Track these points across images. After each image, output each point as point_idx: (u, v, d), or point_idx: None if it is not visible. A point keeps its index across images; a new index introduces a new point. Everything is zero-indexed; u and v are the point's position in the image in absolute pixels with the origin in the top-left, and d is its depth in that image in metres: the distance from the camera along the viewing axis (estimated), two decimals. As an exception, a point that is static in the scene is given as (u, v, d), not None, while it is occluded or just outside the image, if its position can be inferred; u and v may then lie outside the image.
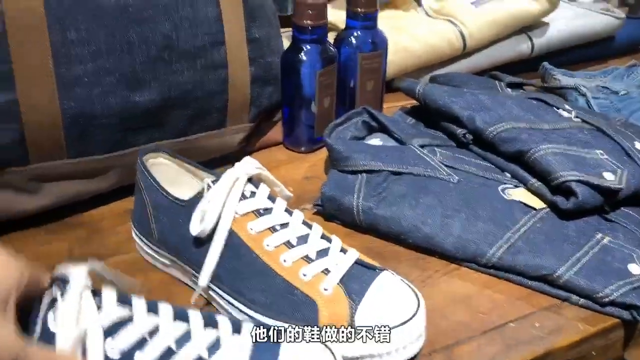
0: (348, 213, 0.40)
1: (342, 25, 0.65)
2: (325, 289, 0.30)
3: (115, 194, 0.43)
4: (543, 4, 0.70)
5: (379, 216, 0.39)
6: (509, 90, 0.53)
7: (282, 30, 0.57)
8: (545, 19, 0.73)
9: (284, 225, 0.32)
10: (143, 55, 0.39)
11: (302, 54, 0.48)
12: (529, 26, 0.72)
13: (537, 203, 0.40)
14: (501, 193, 0.41)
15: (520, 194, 0.41)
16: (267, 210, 0.32)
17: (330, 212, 0.41)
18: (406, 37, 0.64)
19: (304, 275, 0.30)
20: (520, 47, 0.71)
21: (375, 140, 0.49)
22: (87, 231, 0.40)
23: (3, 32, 0.33)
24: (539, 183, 0.40)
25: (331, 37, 0.68)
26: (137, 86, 0.39)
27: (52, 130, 0.36)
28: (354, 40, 0.53)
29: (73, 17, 0.35)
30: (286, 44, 0.60)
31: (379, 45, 0.53)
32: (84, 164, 0.39)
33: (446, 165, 0.43)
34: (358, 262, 0.32)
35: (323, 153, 0.51)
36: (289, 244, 0.31)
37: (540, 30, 0.73)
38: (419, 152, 0.44)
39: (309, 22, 0.47)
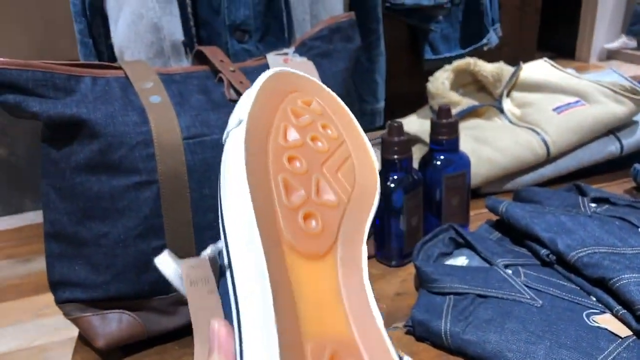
0: (437, 336, 0.44)
1: (426, 137, 0.71)
2: (415, 420, 0.34)
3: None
4: (629, 105, 0.71)
5: (466, 340, 0.42)
6: (594, 205, 0.55)
7: (371, 136, 0.64)
8: (636, 117, 0.74)
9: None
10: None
11: (390, 183, 0.54)
12: (617, 126, 0.73)
13: (623, 331, 0.41)
14: (586, 319, 0.42)
15: (606, 321, 0.42)
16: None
17: (421, 334, 0.45)
18: (490, 149, 0.69)
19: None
20: (608, 148, 0.72)
21: (462, 258, 0.53)
22: (212, 345, 0.48)
23: (157, 195, 0.43)
24: (624, 310, 0.42)
25: (418, 149, 0.74)
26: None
27: (189, 266, 0.45)
28: (438, 163, 0.58)
29: (207, 177, 0.45)
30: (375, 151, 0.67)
31: (461, 166, 0.58)
32: (211, 290, 0.48)
33: (530, 288, 0.46)
34: (445, 394, 0.35)
35: (413, 267, 0.56)
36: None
37: (629, 130, 0.73)
38: (503, 273, 0.48)
39: (395, 156, 0.53)
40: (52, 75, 0.44)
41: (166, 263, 0.30)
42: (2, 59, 0.43)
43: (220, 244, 0.28)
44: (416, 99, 0.89)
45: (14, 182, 2.05)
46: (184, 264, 0.29)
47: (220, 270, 0.28)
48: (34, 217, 2.04)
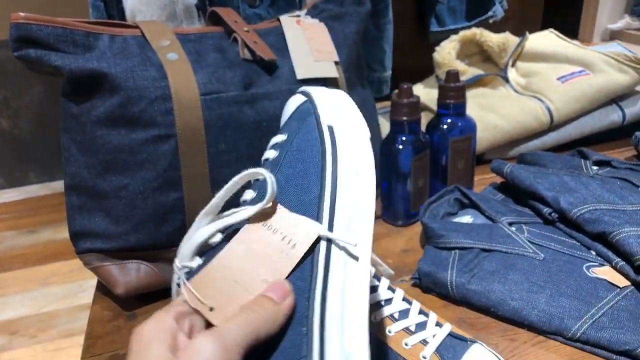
0: (443, 287, 0.46)
1: (432, 105, 0.72)
2: (424, 357, 0.36)
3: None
4: (632, 75, 0.72)
5: (471, 290, 0.44)
6: (596, 168, 0.57)
7: (379, 106, 0.65)
8: (639, 87, 0.75)
9: (388, 301, 0.39)
10: (272, 157, 0.49)
11: (399, 144, 0.55)
12: (620, 95, 0.74)
13: (622, 281, 0.43)
14: (586, 271, 0.44)
15: (605, 272, 0.44)
16: (374, 288, 0.39)
17: (427, 285, 0.47)
18: (495, 115, 0.70)
19: (406, 344, 0.36)
20: (610, 117, 0.73)
21: (467, 217, 0.55)
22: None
23: (175, 149, 0.45)
24: (623, 262, 0.44)
25: (424, 116, 0.76)
26: (267, 181, 0.49)
27: (205, 218, 0.47)
28: (445, 127, 0.60)
29: (224, 133, 0.46)
30: (382, 121, 0.69)
31: (467, 130, 0.60)
32: (226, 243, 0.49)
33: (533, 243, 0.48)
34: (452, 334, 0.37)
35: (418, 227, 0.58)
36: (392, 318, 0.38)
37: (632, 99, 0.74)
38: (507, 230, 0.49)
39: (404, 118, 0.55)
40: (71, 31, 0.45)
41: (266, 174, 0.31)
42: (22, 13, 0.44)
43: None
44: (421, 71, 0.90)
45: (17, 154, 2.06)
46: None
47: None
48: (38, 189, 2.05)
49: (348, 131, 0.34)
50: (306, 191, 0.31)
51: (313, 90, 0.38)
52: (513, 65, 0.80)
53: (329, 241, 0.29)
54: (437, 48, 0.82)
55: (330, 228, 0.29)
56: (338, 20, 0.56)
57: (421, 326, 0.37)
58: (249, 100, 0.47)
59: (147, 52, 0.47)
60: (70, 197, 0.47)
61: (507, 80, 0.78)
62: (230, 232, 0.32)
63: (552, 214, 0.51)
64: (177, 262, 0.31)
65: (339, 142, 0.33)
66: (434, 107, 0.68)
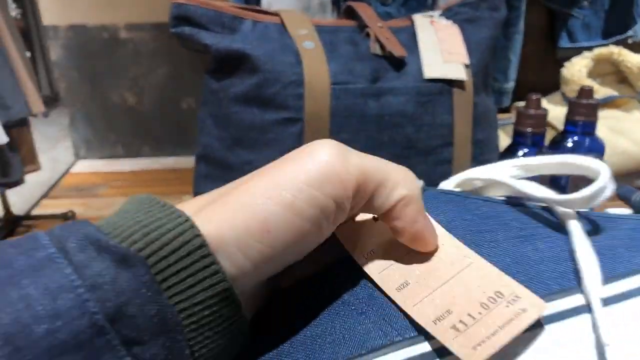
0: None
1: (556, 122, 0.69)
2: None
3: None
4: None
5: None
6: None
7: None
8: None
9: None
10: (390, 152, 0.49)
11: (520, 156, 0.53)
12: None
13: None
14: None
15: None
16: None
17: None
18: (626, 140, 0.65)
19: None
20: None
21: (584, 242, 0.52)
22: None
23: (301, 132, 0.47)
24: None
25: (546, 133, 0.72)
26: (381, 175, 0.50)
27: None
28: (570, 144, 0.57)
29: (347, 123, 0.48)
30: (499, 133, 0.66)
31: (595, 150, 0.56)
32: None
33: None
34: None
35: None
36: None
37: None
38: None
39: (529, 129, 0.53)
40: (221, 14, 0.49)
41: None
42: (182, -5, 0.48)
43: None
44: (544, 86, 0.86)
45: (137, 129, 2.25)
46: None
47: None
48: (150, 162, 2.23)
49: None
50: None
51: None
52: (653, 89, 0.74)
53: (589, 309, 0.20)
54: (566, 64, 0.78)
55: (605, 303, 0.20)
56: (472, 23, 0.55)
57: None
58: (374, 94, 0.48)
59: (285, 38, 0.50)
60: (200, 165, 0.51)
61: (643, 104, 0.72)
62: (513, 208, 0.25)
63: (687, 252, 0.46)
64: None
65: None
66: (558, 124, 0.65)
